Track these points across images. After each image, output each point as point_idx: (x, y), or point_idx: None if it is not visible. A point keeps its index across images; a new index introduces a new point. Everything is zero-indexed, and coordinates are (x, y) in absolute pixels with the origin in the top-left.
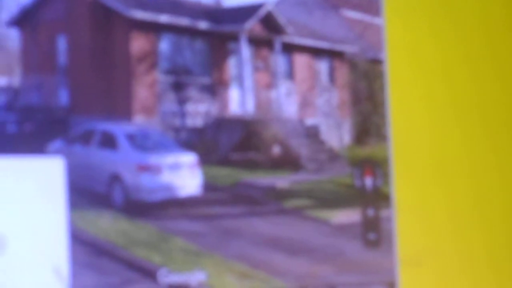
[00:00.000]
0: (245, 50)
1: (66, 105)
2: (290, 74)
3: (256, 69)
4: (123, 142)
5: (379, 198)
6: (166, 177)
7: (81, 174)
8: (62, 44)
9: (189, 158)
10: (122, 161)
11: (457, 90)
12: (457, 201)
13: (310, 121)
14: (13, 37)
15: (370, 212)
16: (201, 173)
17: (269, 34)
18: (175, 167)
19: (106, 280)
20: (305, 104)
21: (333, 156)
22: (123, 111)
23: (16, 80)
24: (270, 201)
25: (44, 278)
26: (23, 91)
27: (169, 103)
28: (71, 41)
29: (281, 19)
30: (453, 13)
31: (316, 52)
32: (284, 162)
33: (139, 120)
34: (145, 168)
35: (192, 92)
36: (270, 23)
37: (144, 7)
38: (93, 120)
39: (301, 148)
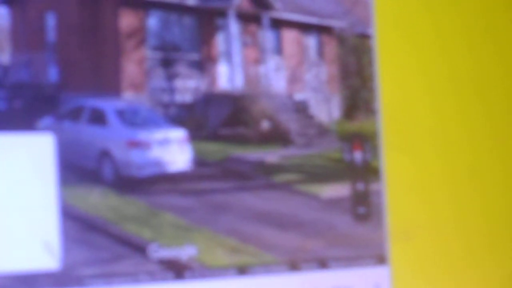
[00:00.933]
0: (233, 26)
1: (55, 82)
2: (279, 50)
3: (244, 44)
4: (112, 118)
5: (369, 172)
6: (156, 153)
7: (71, 150)
8: (51, 21)
9: (178, 134)
10: (112, 137)
11: (449, 61)
12: (450, 174)
13: (299, 96)
14: (2, 14)
15: (360, 186)
16: (190, 148)
17: (257, 10)
18: (165, 142)
19: (97, 255)
20: (293, 79)
21: (322, 131)
22: (112, 87)
23: (5, 57)
24: (260, 175)
25: (34, 254)
26: (13, 68)
27: (158, 79)
28: (59, 18)
29: None
30: None
31: (304, 27)
32: (273, 137)
33: (128, 96)
34: (135, 144)
35: (181, 68)
36: None
37: None
38: (83, 96)
39: (290, 123)
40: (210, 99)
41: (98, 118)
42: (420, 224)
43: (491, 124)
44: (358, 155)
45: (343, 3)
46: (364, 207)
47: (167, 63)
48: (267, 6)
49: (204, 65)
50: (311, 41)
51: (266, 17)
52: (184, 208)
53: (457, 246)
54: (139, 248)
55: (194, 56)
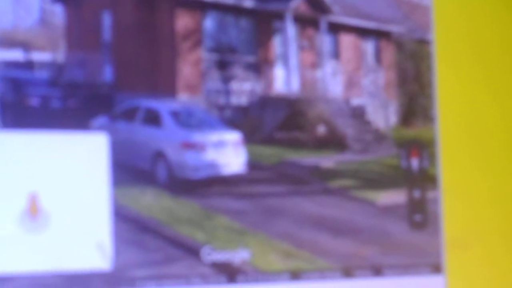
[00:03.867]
0: (290, 29)
1: (110, 82)
2: (336, 54)
3: (301, 48)
4: (167, 119)
5: (426, 179)
6: (211, 155)
7: (124, 150)
8: (106, 20)
9: (233, 136)
10: (167, 138)
11: (506, 71)
12: (505, 184)
13: (355, 101)
14: (58, 12)
15: (416, 193)
16: (245, 151)
17: (314, 13)
18: (220, 145)
19: (149, 256)
20: (350, 84)
21: (379, 137)
22: (167, 89)
23: (60, 55)
24: (315, 180)
25: (87, 254)
26: (68, 67)
27: (214, 81)
28: (115, 18)
29: None
30: None
31: (362, 32)
32: (329, 142)
33: (183, 98)
34: (190, 146)
35: (237, 71)
36: (316, 2)
37: None
38: (137, 97)
39: (346, 128)
40: (266, 102)
41: (153, 119)
42: (476, 233)
43: None
44: (415, 162)
45: (402, 7)
46: (421, 214)
47: (223, 65)
48: (324, 10)
49: (260, 67)
50: (368, 46)
51: (323, 21)
52: (238, 212)
53: None
54: (192, 251)
55: (250, 58)
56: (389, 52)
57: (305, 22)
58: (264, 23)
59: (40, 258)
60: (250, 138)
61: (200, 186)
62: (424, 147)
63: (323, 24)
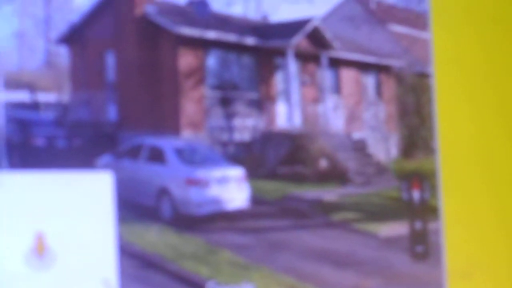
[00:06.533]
0: (292, 65)
1: (114, 121)
2: (337, 89)
3: (303, 83)
4: (171, 157)
5: (427, 211)
6: (214, 191)
7: (129, 188)
8: (110, 60)
9: (236, 172)
10: (171, 175)
11: (505, 103)
12: (506, 214)
13: (357, 135)
14: (63, 54)
15: (418, 225)
16: (248, 186)
17: (316, 49)
18: (223, 180)
19: None
20: (352, 118)
21: (380, 170)
22: (171, 126)
23: (65, 96)
24: (318, 214)
25: None
26: (72, 106)
27: (217, 118)
28: (119, 57)
29: (328, 34)
30: (500, 27)
31: (363, 67)
32: (331, 175)
33: (186, 135)
34: (194, 182)
35: (240, 107)
36: (317, 38)
37: (191, 23)
38: (141, 135)
39: (348, 162)
40: (269, 138)
41: (157, 156)
42: (478, 264)
43: None
44: (416, 194)
45: (401, 42)
46: (422, 246)
47: (226, 102)
48: (325, 46)
49: (262, 104)
50: (369, 80)
51: (324, 57)
52: (242, 246)
53: None
54: (196, 286)
55: (253, 95)
56: (389, 86)
57: (306, 58)
58: (265, 60)
59: None
60: (253, 174)
61: (204, 221)
62: (425, 179)
63: (324, 60)
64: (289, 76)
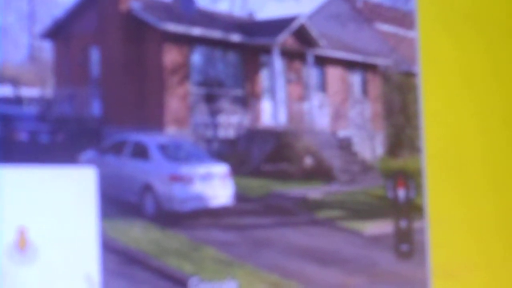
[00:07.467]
0: (278, 62)
1: (98, 116)
2: (323, 87)
3: (288, 81)
4: (155, 153)
5: (412, 209)
6: (198, 187)
7: (113, 184)
8: (94, 55)
9: (221, 169)
10: (154, 171)
11: (490, 102)
12: (491, 213)
13: (342, 133)
14: (46, 49)
15: (403, 223)
16: (233, 183)
17: (301, 47)
18: (207, 177)
19: None
20: (337, 116)
21: (365, 168)
22: (155, 122)
23: (49, 91)
24: (302, 211)
25: (75, 286)
26: (56, 102)
27: (201, 114)
28: (103, 53)
29: (314, 32)
30: (486, 28)
31: (349, 65)
32: (316, 173)
33: (171, 131)
34: (177, 178)
35: (224, 104)
36: (303, 36)
37: (176, 19)
38: (125, 130)
39: (334, 160)
40: (253, 135)
41: (140, 152)
42: (463, 262)
43: None
44: (401, 193)
45: (388, 41)
46: (407, 244)
47: (210, 99)
48: (311, 44)
49: (247, 101)
50: (355, 79)
51: (310, 54)
52: (226, 243)
53: (498, 286)
54: (180, 282)
55: (238, 92)
56: (375, 84)
57: (292, 56)
58: (251, 57)
59: None
60: (237, 171)
61: (188, 218)
62: (410, 178)
63: (310, 58)
64: (274, 73)
